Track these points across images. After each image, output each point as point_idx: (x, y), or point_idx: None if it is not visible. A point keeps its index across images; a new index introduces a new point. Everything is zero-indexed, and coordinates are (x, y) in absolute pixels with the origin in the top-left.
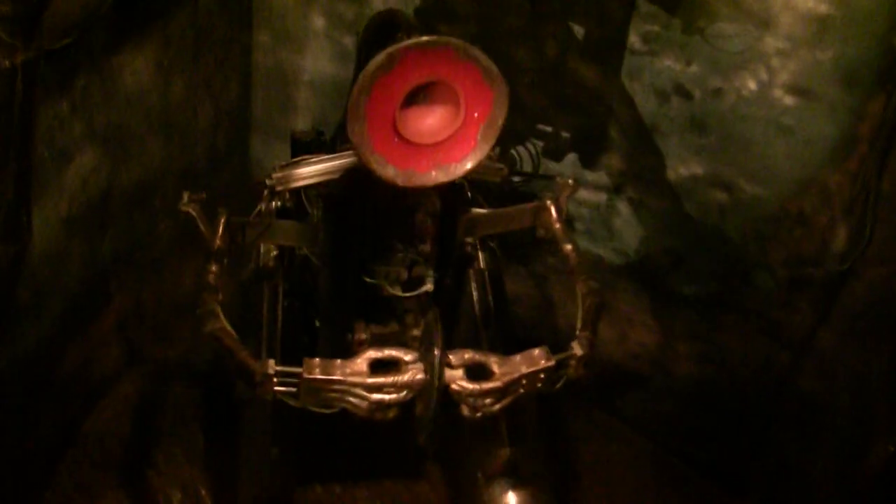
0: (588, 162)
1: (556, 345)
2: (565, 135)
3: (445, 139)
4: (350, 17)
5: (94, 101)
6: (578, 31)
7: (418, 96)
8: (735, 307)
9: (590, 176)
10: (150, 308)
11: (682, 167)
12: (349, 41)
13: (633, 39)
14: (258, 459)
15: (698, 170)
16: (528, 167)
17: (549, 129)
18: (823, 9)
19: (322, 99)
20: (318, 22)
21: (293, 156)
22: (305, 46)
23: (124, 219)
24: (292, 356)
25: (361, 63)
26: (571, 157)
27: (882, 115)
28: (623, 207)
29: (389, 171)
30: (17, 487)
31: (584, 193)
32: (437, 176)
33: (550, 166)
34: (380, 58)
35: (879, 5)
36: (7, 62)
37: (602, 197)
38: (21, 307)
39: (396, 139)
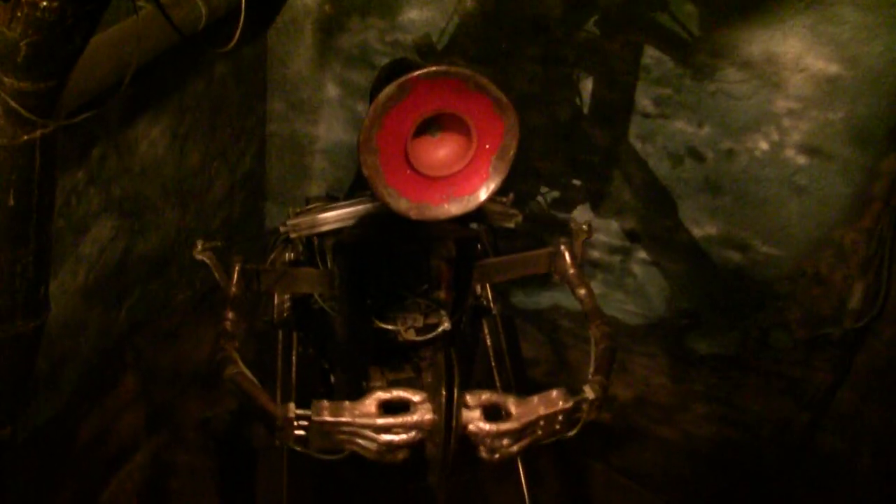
0: (602, 224)
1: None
2: (579, 197)
3: (458, 171)
4: (363, 85)
5: (111, 171)
6: (590, 95)
7: (429, 129)
8: (753, 367)
9: (604, 238)
10: (167, 377)
11: (697, 228)
12: (362, 108)
13: (645, 103)
14: None
15: (713, 230)
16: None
17: (562, 192)
18: (833, 69)
19: (336, 166)
20: (332, 91)
21: None
22: (319, 115)
23: (141, 288)
24: (308, 405)
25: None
26: (585, 221)
27: (894, 173)
28: (638, 269)
29: (403, 203)
30: None
31: (598, 254)
32: (450, 208)
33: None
34: (390, 88)
35: (889, 65)
36: (27, 137)
37: (617, 258)
38: (39, 377)
39: (409, 171)
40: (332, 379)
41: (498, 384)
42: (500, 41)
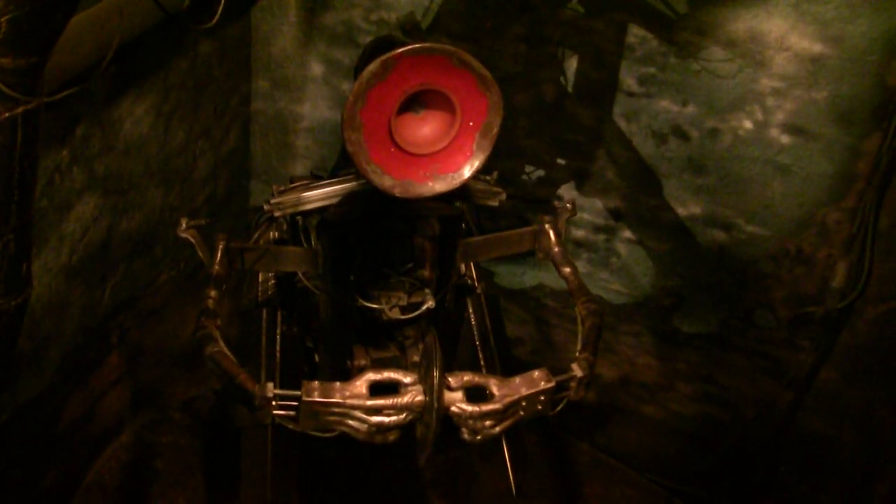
0: (587, 203)
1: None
2: (564, 176)
3: (442, 148)
4: (347, 63)
5: (95, 150)
6: (575, 74)
7: (413, 106)
8: (737, 346)
9: (589, 217)
10: (152, 356)
11: (681, 207)
12: (347, 87)
13: (630, 82)
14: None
15: (697, 210)
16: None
17: (547, 171)
18: (817, 48)
19: (320, 144)
20: (317, 69)
21: None
22: (304, 93)
23: (125, 267)
24: (292, 383)
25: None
26: (570, 200)
27: (878, 153)
28: (623, 248)
29: (387, 181)
30: None
31: (583, 233)
32: (434, 186)
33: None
34: (375, 65)
35: (872, 44)
36: (8, 114)
37: (601, 238)
38: (23, 357)
39: (393, 148)
40: (317, 357)
41: (482, 363)
42: (485, 20)
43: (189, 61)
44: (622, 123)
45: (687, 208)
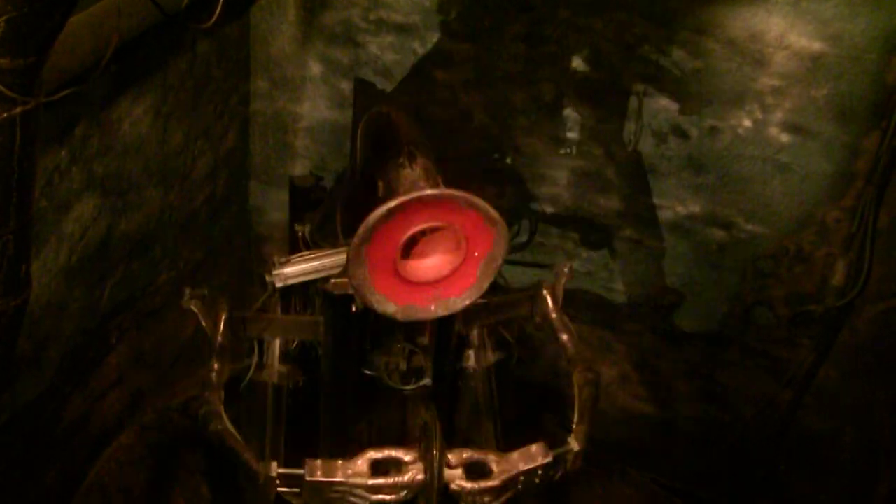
0: (586, 203)
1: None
2: (562, 175)
3: (446, 276)
4: (346, 63)
5: (94, 150)
6: (574, 74)
7: (419, 236)
8: (736, 345)
9: (588, 216)
10: (151, 357)
11: (680, 206)
12: (346, 86)
13: (629, 81)
14: None
15: (696, 208)
16: (524, 233)
17: (545, 170)
18: (816, 47)
19: (320, 144)
20: (315, 68)
21: (291, 201)
22: (303, 93)
23: (124, 268)
24: (297, 453)
25: (357, 162)
26: (569, 200)
27: (877, 151)
28: (622, 246)
29: (390, 307)
30: None
31: (582, 233)
32: (436, 310)
33: (547, 210)
34: (381, 210)
35: (872, 42)
36: (6, 114)
37: (600, 237)
38: (22, 358)
39: (397, 278)
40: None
41: (486, 430)
42: (484, 19)
43: (188, 61)
44: (621, 122)
45: (686, 207)
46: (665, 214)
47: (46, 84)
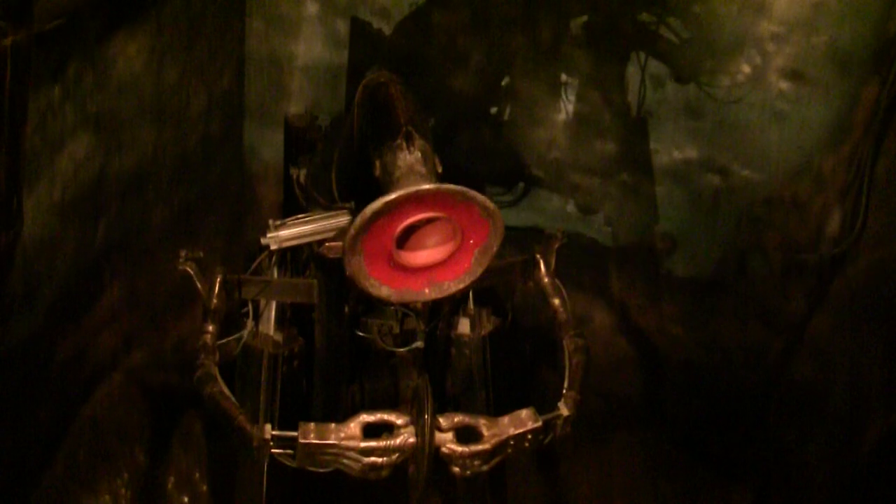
0: (582, 147)
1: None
2: (559, 119)
3: (440, 262)
4: (343, 2)
5: (87, 87)
6: (572, 17)
7: (416, 224)
8: (730, 292)
9: (584, 160)
10: (144, 297)
11: (677, 151)
12: (342, 26)
13: (628, 25)
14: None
15: (693, 154)
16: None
17: (542, 114)
18: None
19: (315, 84)
20: (311, 7)
21: (286, 141)
22: (299, 32)
23: (118, 207)
24: (290, 416)
25: (354, 129)
26: (565, 143)
27: (876, 101)
28: (617, 191)
29: (384, 291)
30: (13, 475)
31: (579, 177)
32: (430, 293)
33: (544, 153)
34: (377, 205)
35: None
36: None
37: (597, 181)
38: (15, 296)
39: (392, 266)
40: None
41: (477, 390)
42: None
43: None
44: (619, 67)
45: (683, 152)
46: (661, 160)
47: (39, 19)
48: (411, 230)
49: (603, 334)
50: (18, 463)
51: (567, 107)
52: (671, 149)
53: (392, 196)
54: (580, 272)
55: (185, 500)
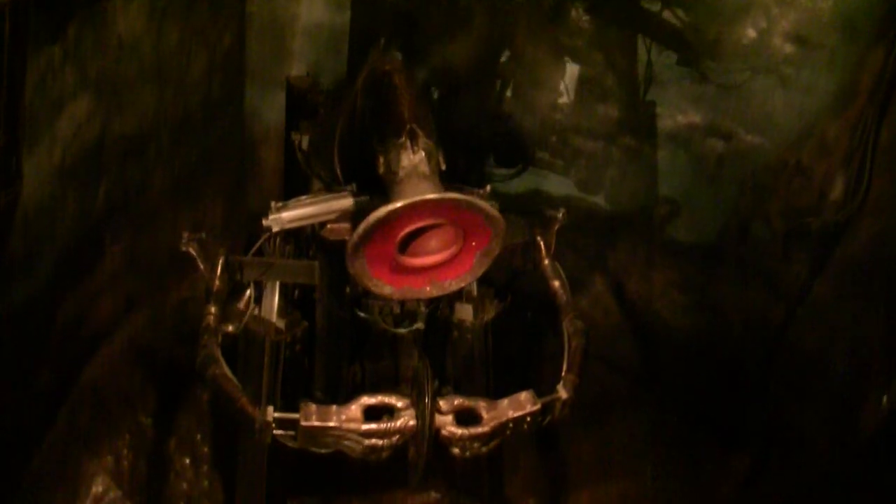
0: (585, 110)
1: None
2: (562, 82)
3: (442, 262)
4: None
5: (88, 49)
6: None
7: (416, 232)
8: (732, 258)
9: (586, 124)
10: (145, 260)
11: (680, 115)
12: None
13: None
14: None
15: (696, 118)
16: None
17: (546, 76)
18: None
19: (317, 46)
20: None
21: (288, 103)
22: None
23: (118, 169)
24: (293, 397)
25: (357, 112)
26: (568, 107)
27: (882, 67)
28: (619, 155)
29: (387, 289)
30: (15, 436)
31: (581, 140)
32: (431, 291)
33: (547, 116)
34: (380, 213)
35: None
36: None
37: (600, 145)
38: (15, 258)
39: (394, 266)
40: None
41: (478, 372)
42: None
43: None
44: (623, 29)
45: (686, 117)
46: (664, 124)
47: None
48: (414, 232)
49: (603, 300)
50: (20, 425)
51: (570, 70)
52: (675, 113)
53: (395, 206)
54: (581, 237)
55: (187, 461)
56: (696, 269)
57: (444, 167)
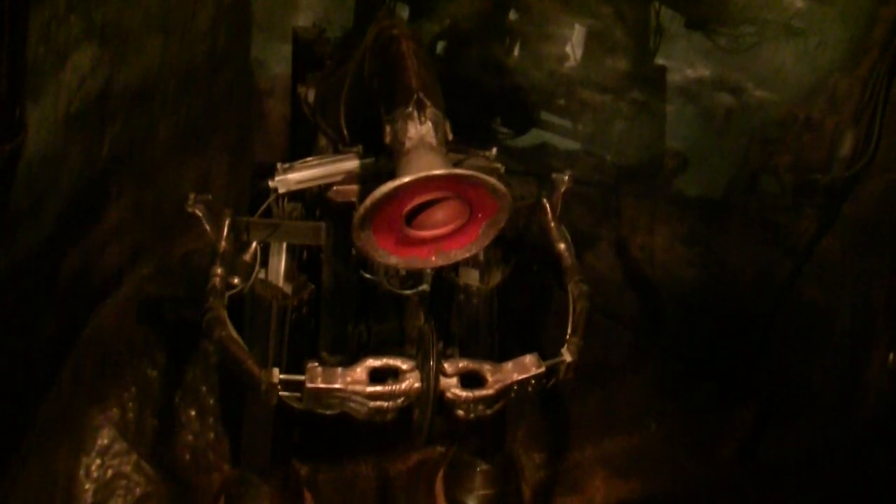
0: (593, 63)
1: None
2: (571, 34)
3: (448, 233)
4: None
5: None
6: None
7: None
8: (739, 211)
9: (594, 77)
10: (150, 210)
11: (689, 69)
12: None
13: None
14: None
15: (706, 72)
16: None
17: (554, 29)
18: None
19: None
20: None
21: (294, 54)
22: None
23: (124, 120)
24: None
25: (364, 74)
26: (576, 60)
27: (894, 20)
28: (628, 108)
29: (392, 259)
30: (20, 389)
31: (589, 94)
32: (437, 261)
33: (555, 70)
34: (387, 188)
35: None
36: None
37: (608, 98)
38: (20, 209)
39: (401, 238)
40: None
41: (483, 332)
42: None
43: None
44: None
45: (695, 70)
46: (673, 77)
47: None
48: (420, 204)
49: (610, 253)
50: (25, 376)
51: (578, 24)
52: (683, 66)
53: (401, 181)
54: (589, 190)
55: (193, 413)
56: (702, 223)
57: (450, 137)
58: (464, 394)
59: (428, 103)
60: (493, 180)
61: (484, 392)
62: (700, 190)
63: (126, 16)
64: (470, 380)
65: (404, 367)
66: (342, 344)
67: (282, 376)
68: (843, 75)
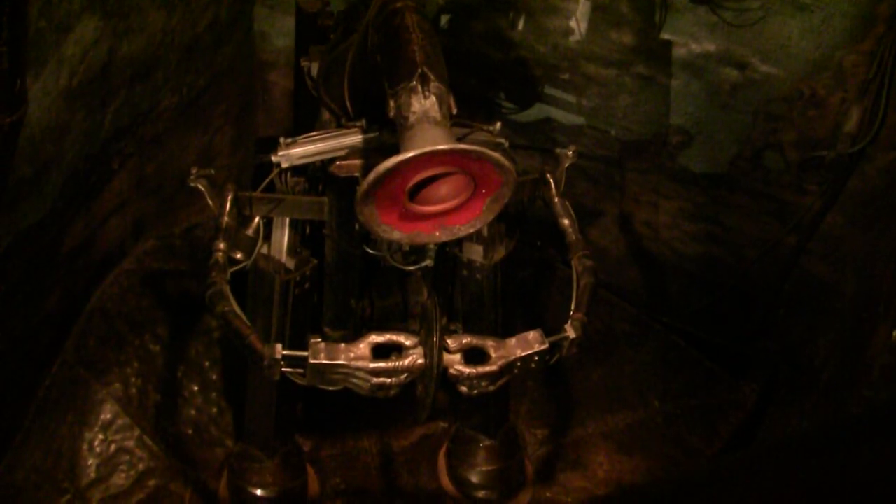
0: (598, 37)
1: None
2: (575, 7)
3: (452, 208)
4: None
5: None
6: None
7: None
8: (744, 187)
9: (599, 51)
10: (153, 184)
11: (695, 44)
12: None
13: None
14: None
15: (711, 47)
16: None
17: (558, 3)
18: None
19: None
20: None
21: (297, 27)
22: None
23: (126, 92)
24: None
25: (367, 47)
26: (580, 34)
27: None
28: (633, 83)
29: (396, 234)
30: (23, 363)
31: (594, 68)
32: (441, 236)
33: (559, 43)
34: (390, 163)
35: None
36: None
37: (612, 72)
38: (23, 182)
39: (404, 212)
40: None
41: (486, 308)
42: None
43: None
44: None
45: (701, 45)
46: (678, 52)
47: None
48: (424, 179)
49: (614, 228)
50: (28, 349)
51: None
52: (689, 41)
53: (405, 156)
54: (593, 165)
55: (195, 388)
56: (707, 199)
57: (455, 111)
58: (467, 370)
59: (432, 77)
60: (497, 155)
61: (487, 368)
62: (704, 165)
63: None
64: (473, 356)
65: (407, 342)
66: (345, 319)
67: (284, 352)
68: (849, 50)
